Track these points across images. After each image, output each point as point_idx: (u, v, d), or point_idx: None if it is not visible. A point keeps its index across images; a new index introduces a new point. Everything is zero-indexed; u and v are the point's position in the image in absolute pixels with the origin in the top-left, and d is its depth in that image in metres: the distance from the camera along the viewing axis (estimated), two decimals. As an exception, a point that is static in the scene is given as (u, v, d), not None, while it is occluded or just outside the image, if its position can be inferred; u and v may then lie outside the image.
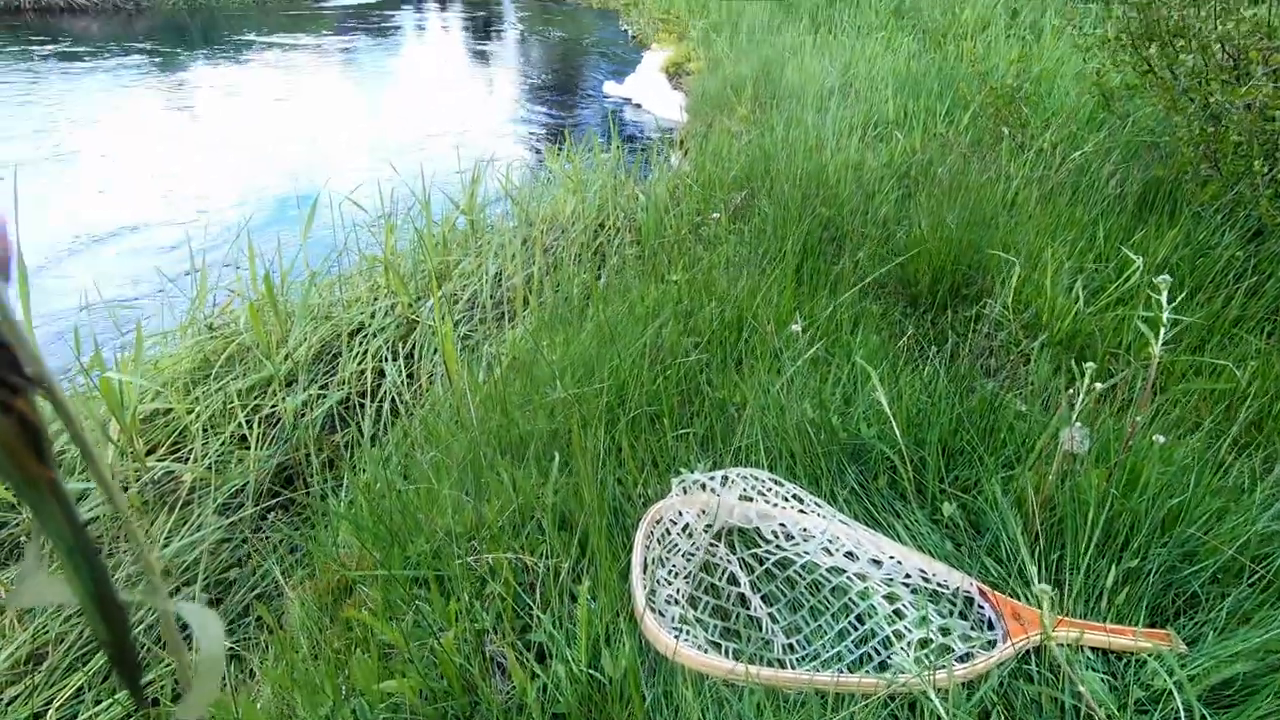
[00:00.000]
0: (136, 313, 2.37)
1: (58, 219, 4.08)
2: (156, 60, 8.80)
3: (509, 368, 1.85)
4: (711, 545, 1.22)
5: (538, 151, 5.62)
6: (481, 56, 10.76)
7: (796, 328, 1.78)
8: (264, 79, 8.12)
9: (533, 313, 2.51)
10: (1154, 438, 1.34)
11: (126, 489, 1.85)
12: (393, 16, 14.71)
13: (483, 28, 13.87)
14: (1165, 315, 1.06)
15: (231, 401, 2.21)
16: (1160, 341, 1.08)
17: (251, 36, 10.92)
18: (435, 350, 2.48)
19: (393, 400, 2.30)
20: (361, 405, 2.28)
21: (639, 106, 7.10)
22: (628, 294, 2.04)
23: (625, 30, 12.23)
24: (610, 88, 7.80)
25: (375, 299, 2.83)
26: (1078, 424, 1.25)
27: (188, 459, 2.05)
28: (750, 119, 4.61)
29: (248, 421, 2.16)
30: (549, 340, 1.84)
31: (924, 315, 2.10)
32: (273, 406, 2.23)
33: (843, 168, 2.90)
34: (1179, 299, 2.00)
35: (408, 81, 8.66)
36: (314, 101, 7.19)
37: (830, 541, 1.20)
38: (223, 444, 2.10)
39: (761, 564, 1.20)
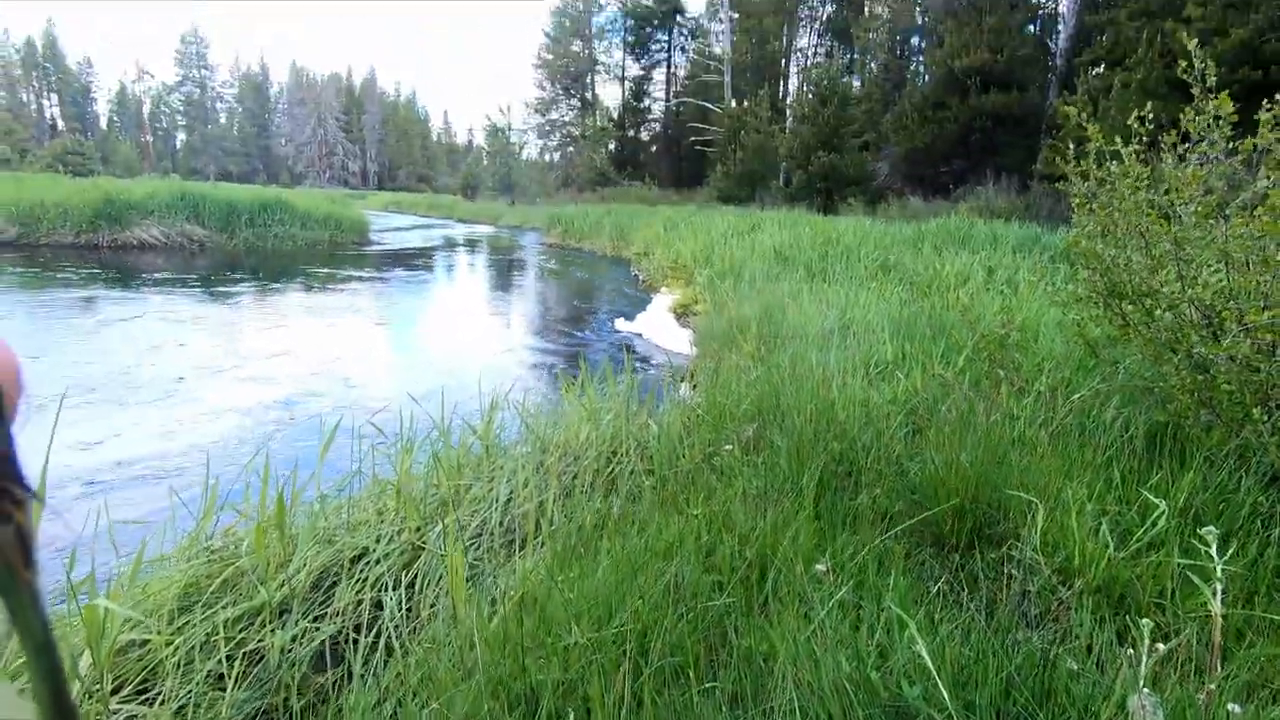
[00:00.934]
0: (141, 531, 2.32)
1: (90, 437, 4.17)
2: (209, 291, 9.65)
3: (518, 603, 1.75)
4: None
5: (554, 379, 5.89)
6: (505, 293, 11.78)
7: (822, 568, 1.71)
8: (303, 308, 8.82)
9: (545, 541, 2.44)
10: (1229, 708, 1.21)
11: (81, 737, 1.65)
12: (428, 258, 16.40)
13: (506, 270, 15.37)
14: (1219, 569, 1.02)
15: (216, 633, 2.06)
16: (1219, 599, 1.03)
17: (299, 272, 12.08)
18: (440, 578, 2.37)
19: (388, 636, 2.14)
20: (355, 640, 2.12)
21: (649, 341, 7.59)
22: (645, 526, 2.00)
23: (636, 275, 13.52)
24: (622, 324, 8.41)
25: (382, 523, 2.78)
26: (1145, 690, 1.14)
27: (156, 700, 1.86)
28: (755, 355, 4.89)
29: (229, 657, 1.99)
30: (563, 575, 1.76)
31: (950, 556, 2.03)
32: (259, 640, 2.07)
33: (850, 404, 3.01)
34: (1213, 547, 1.94)
35: (436, 313, 9.38)
36: (347, 329, 7.73)
37: (886, 834, 1.03)
38: (196, 684, 1.91)
39: None
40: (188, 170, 61.65)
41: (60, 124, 79.43)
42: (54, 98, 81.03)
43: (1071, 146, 3.33)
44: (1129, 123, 3.05)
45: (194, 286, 9.96)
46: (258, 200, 16.87)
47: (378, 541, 2.62)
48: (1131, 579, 1.86)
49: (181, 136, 78.29)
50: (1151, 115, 2.94)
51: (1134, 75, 13.57)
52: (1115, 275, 3.10)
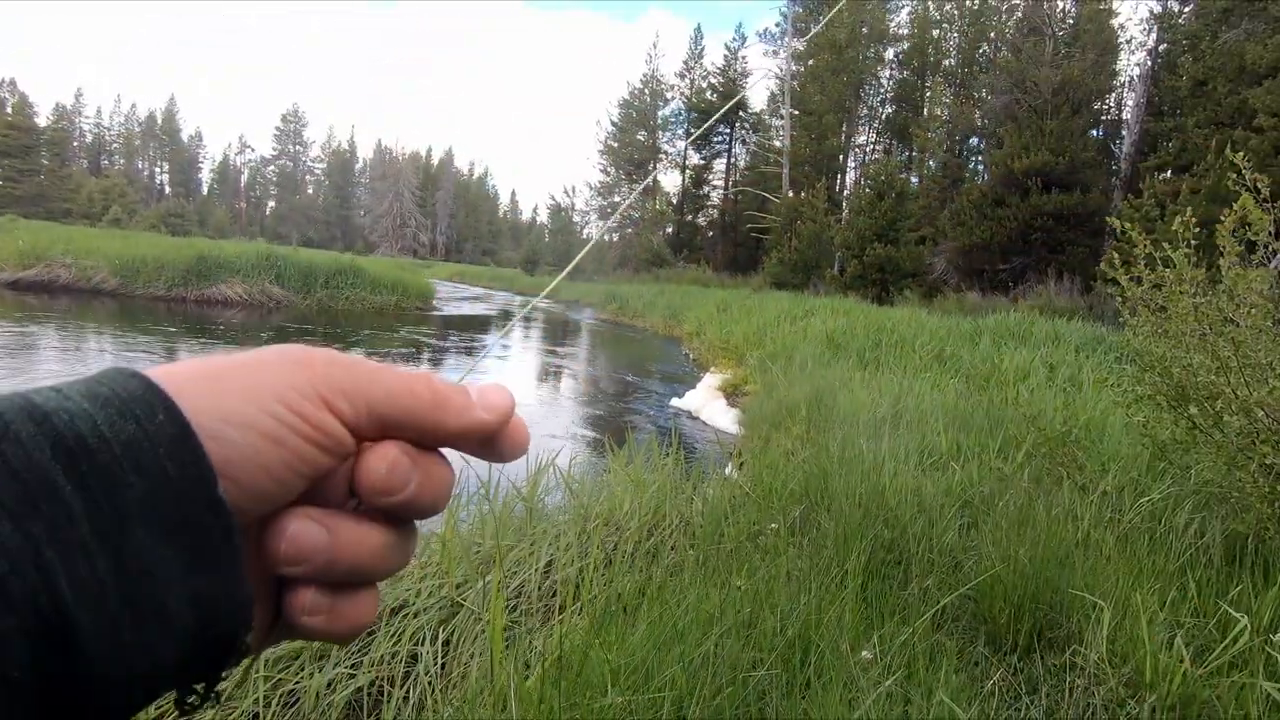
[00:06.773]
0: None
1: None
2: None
3: (555, 664, 1.73)
4: None
5: (599, 449, 5.92)
6: (557, 366, 12.03)
7: (868, 654, 1.65)
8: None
9: (584, 606, 2.41)
10: None
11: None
12: (485, 326, 16.97)
13: (560, 342, 15.74)
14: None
15: (255, 670, 2.09)
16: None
17: (363, 333, 12.65)
18: (476, 637, 2.35)
19: (422, 691, 2.12)
20: (388, 692, 2.11)
21: (697, 418, 7.58)
22: (684, 596, 1.97)
23: (686, 354, 13.64)
24: (673, 401, 8.44)
25: (424, 576, 2.80)
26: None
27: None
28: (805, 438, 4.84)
29: (265, 698, 2.01)
30: (601, 638, 1.74)
31: (1007, 656, 1.92)
32: (296, 682, 2.08)
33: (902, 491, 2.93)
34: (1302, 669, 1.78)
35: (488, 377, 9.63)
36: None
37: None
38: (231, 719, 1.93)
39: None
40: (274, 235, 66.28)
41: (167, 189, 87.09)
42: (165, 165, 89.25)
43: (1115, 255, 3.31)
44: (1173, 228, 3.02)
45: (262, 338, 10.53)
46: (333, 264, 17.91)
47: (417, 595, 2.64)
48: (1211, 699, 1.72)
49: (272, 204, 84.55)
50: (1197, 221, 2.92)
51: (1203, 181, 13.45)
52: (1179, 377, 3.01)
